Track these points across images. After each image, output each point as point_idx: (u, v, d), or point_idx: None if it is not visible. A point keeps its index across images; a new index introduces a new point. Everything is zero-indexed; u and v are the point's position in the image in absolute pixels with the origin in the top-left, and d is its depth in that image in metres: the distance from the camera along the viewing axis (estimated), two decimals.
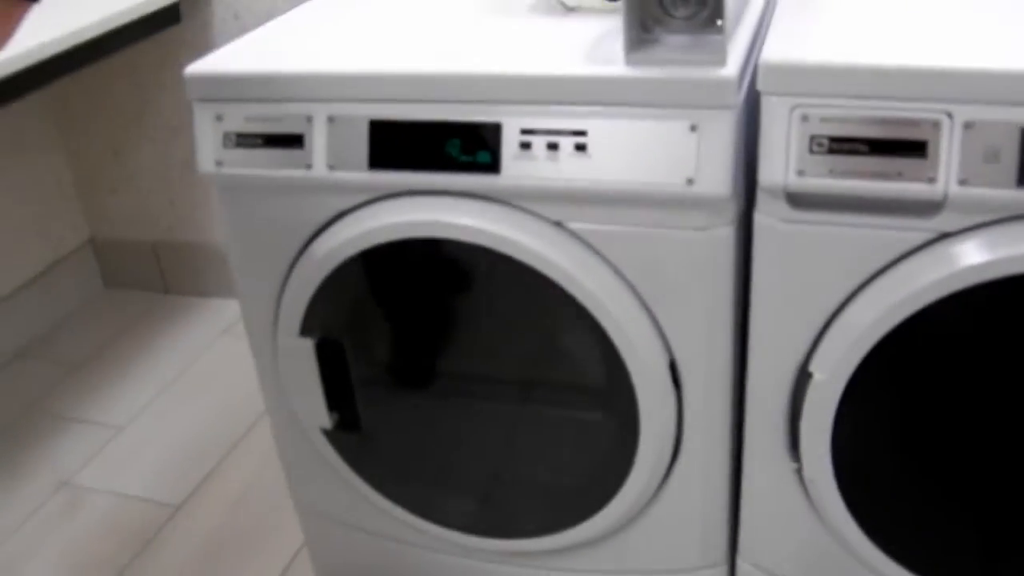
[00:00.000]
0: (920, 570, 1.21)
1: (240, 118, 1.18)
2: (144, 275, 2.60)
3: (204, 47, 2.23)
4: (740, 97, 1.05)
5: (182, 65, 2.23)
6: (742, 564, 1.33)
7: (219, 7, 2.18)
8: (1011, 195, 0.98)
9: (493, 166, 1.10)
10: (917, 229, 1.02)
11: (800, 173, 1.02)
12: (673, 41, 1.05)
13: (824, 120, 1.00)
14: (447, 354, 1.27)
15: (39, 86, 1.70)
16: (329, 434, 1.35)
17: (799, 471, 1.18)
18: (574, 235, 1.12)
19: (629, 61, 1.05)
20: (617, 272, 1.12)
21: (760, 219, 1.07)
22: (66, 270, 2.54)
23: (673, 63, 1.04)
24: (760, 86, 1.02)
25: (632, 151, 1.06)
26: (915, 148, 0.99)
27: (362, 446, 1.36)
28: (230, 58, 1.22)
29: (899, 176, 1.00)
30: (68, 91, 2.42)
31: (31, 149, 2.42)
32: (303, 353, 1.28)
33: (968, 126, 0.97)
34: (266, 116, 1.17)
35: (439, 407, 1.31)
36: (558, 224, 1.12)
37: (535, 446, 1.29)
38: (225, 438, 2.04)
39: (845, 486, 1.17)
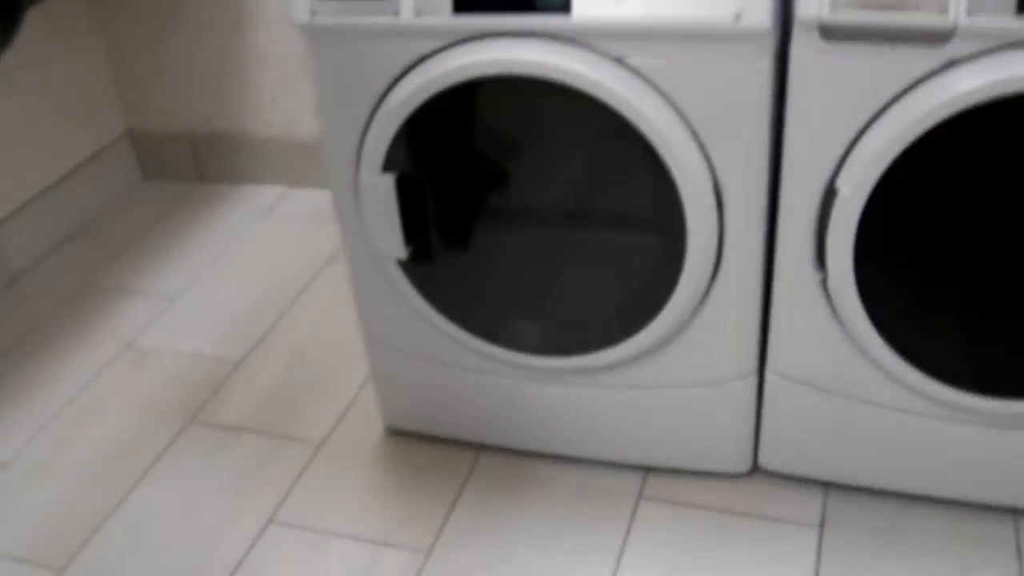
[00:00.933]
0: (933, 372, 1.40)
1: None
2: (181, 166, 2.75)
3: None
4: None
5: None
6: (770, 375, 1.52)
7: None
8: (1012, 24, 1.15)
9: (565, 6, 1.26)
10: (930, 57, 1.20)
11: (833, 7, 1.19)
12: None
13: None
14: (516, 188, 1.44)
15: None
16: (404, 265, 1.52)
17: (824, 281, 1.37)
18: (634, 70, 1.29)
19: None
20: (669, 102, 1.29)
21: (796, 51, 1.25)
22: (105, 161, 2.68)
23: None
24: None
25: None
26: None
27: (433, 275, 1.53)
28: None
29: (916, 6, 1.17)
30: None
31: (71, 40, 2.55)
32: (384, 188, 1.44)
33: None
34: None
35: (506, 236, 1.48)
36: (619, 60, 1.29)
37: (594, 268, 1.46)
38: (278, 301, 2.21)
39: (866, 294, 1.35)
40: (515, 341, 1.56)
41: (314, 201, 2.60)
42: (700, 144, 1.31)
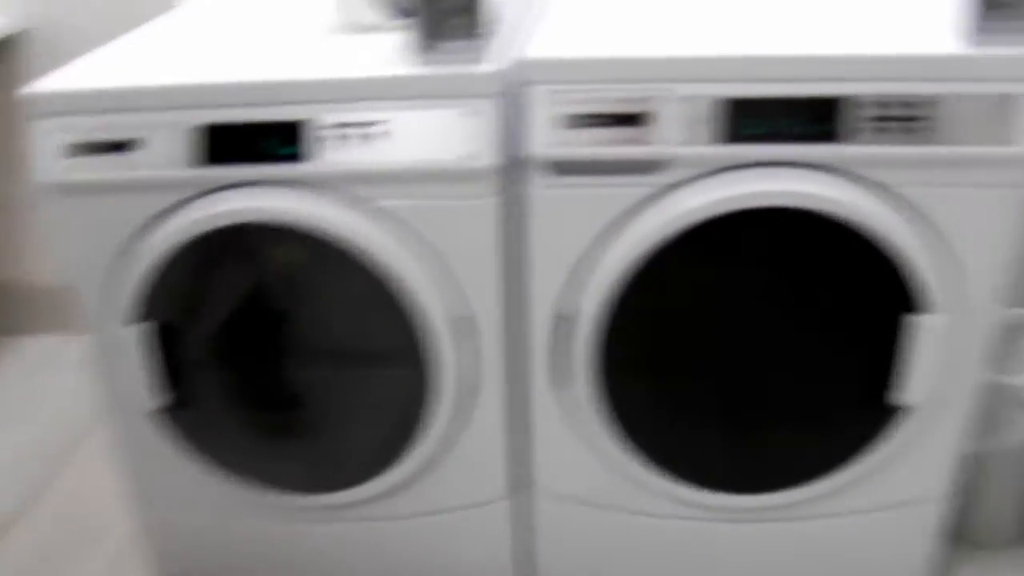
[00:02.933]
0: (681, 475, 1.48)
1: (80, 129, 1.34)
2: None
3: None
4: (505, 86, 1.30)
5: None
6: (536, 493, 1.56)
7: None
8: (716, 151, 1.26)
9: (307, 156, 1.31)
10: (649, 184, 1.30)
11: (557, 145, 1.28)
12: (451, 45, 1.30)
13: (572, 101, 1.27)
14: (274, 331, 1.45)
15: None
16: (162, 413, 1.50)
17: (570, 399, 1.43)
18: (378, 209, 1.33)
19: (417, 62, 1.29)
20: (412, 237, 1.34)
21: (528, 186, 1.32)
22: None
23: (451, 63, 1.29)
24: (524, 77, 1.28)
25: (421, 135, 1.29)
26: (643, 119, 1.26)
27: (194, 423, 1.52)
28: (63, 78, 1.38)
29: (632, 142, 1.27)
30: None
31: None
32: (134, 339, 1.43)
33: (681, 100, 1.25)
34: (99, 127, 1.34)
35: (263, 378, 1.48)
36: (363, 201, 1.33)
37: (353, 403, 1.48)
38: (48, 455, 2.12)
39: (610, 409, 1.42)
40: (282, 482, 1.55)
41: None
42: (446, 275, 1.36)
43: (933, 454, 1.49)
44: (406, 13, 1.42)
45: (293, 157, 1.32)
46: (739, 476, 1.50)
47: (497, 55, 1.31)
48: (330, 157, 1.31)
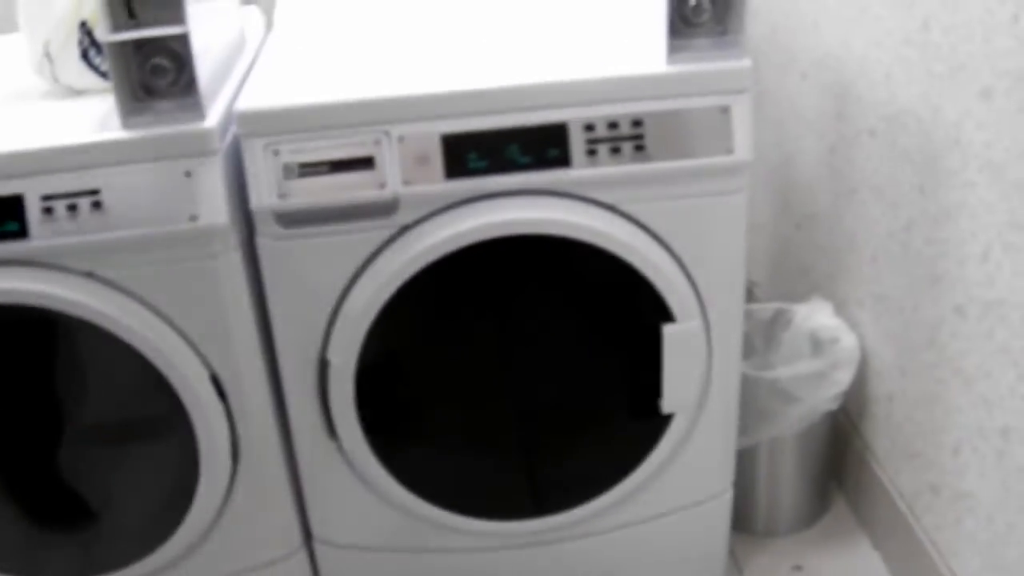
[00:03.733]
0: (466, 507, 1.48)
1: None
2: None
3: None
4: (225, 142, 1.27)
5: None
6: (318, 545, 1.54)
7: None
8: (444, 187, 1.27)
9: (22, 233, 1.25)
10: (384, 227, 1.29)
11: (282, 196, 1.26)
12: (162, 106, 1.26)
13: (292, 151, 1.25)
14: (22, 417, 1.38)
15: None
16: None
17: (340, 447, 1.41)
18: (105, 281, 1.28)
19: (126, 126, 1.25)
20: (148, 306, 1.30)
21: (260, 240, 1.30)
22: None
23: (163, 123, 1.25)
24: (238, 131, 1.26)
25: (140, 201, 1.25)
26: (366, 163, 1.26)
27: None
28: None
29: (359, 187, 1.26)
30: None
31: None
32: None
33: (402, 139, 1.25)
34: None
35: (25, 466, 1.42)
36: (89, 274, 1.28)
37: (118, 479, 1.43)
38: None
39: (380, 450, 1.41)
40: (51, 569, 1.48)
41: None
42: (188, 340, 1.32)
43: (708, 454, 1.53)
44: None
45: (10, 235, 1.25)
46: (525, 500, 1.51)
47: (213, 108, 1.28)
48: (50, 231, 1.25)
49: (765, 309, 1.82)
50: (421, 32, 1.53)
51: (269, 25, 1.67)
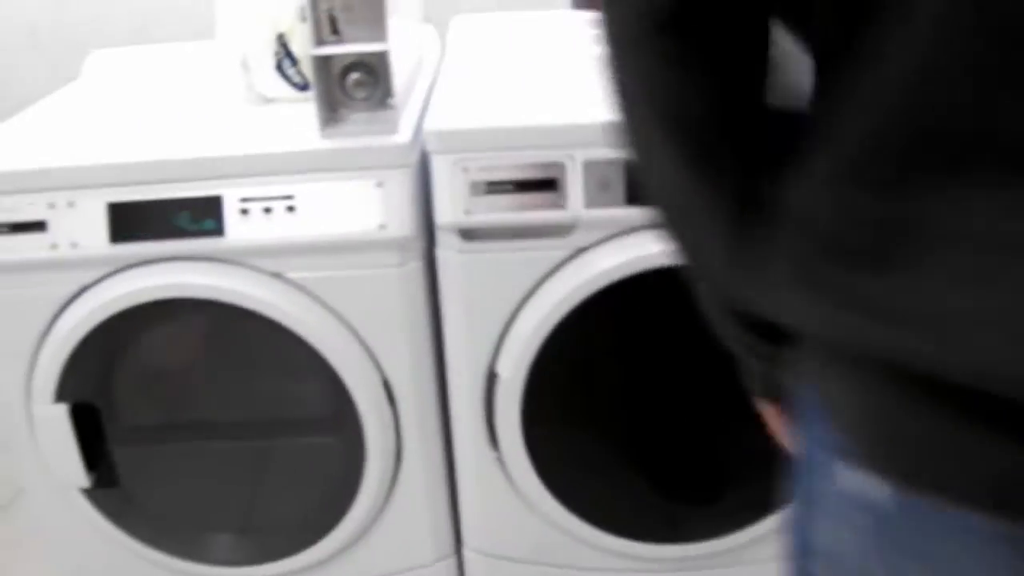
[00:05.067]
0: (613, 527, 1.49)
1: None
2: None
3: None
4: (415, 157, 1.32)
5: None
6: (468, 553, 1.57)
7: None
8: (623, 213, 1.29)
9: (218, 231, 1.31)
10: (561, 247, 1.32)
11: (467, 212, 1.30)
12: (356, 117, 1.31)
13: (480, 169, 1.29)
14: (194, 406, 1.45)
15: None
16: (89, 493, 1.49)
17: (500, 459, 1.44)
18: (293, 283, 1.34)
19: (323, 136, 1.30)
20: (330, 309, 1.35)
21: (440, 252, 1.34)
22: None
23: (358, 135, 1.30)
24: (428, 147, 1.30)
25: (333, 208, 1.31)
26: (550, 184, 1.29)
27: (123, 501, 1.51)
28: None
29: (541, 207, 1.29)
30: None
31: None
32: (58, 418, 1.42)
33: (586, 164, 1.28)
34: (7, 207, 1.33)
35: (192, 455, 1.48)
36: (277, 275, 1.34)
37: (285, 474, 1.48)
38: None
39: (539, 465, 1.43)
40: (214, 556, 1.54)
41: None
42: (365, 345, 1.37)
43: None
44: (307, 86, 1.44)
45: (207, 232, 1.32)
46: (672, 526, 1.52)
47: (404, 124, 1.33)
48: (244, 232, 1.31)
49: None
50: (588, 62, 1.55)
51: (442, 43, 1.72)
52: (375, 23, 1.26)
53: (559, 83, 1.45)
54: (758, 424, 1.43)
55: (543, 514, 1.48)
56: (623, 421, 1.44)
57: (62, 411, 1.42)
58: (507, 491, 1.48)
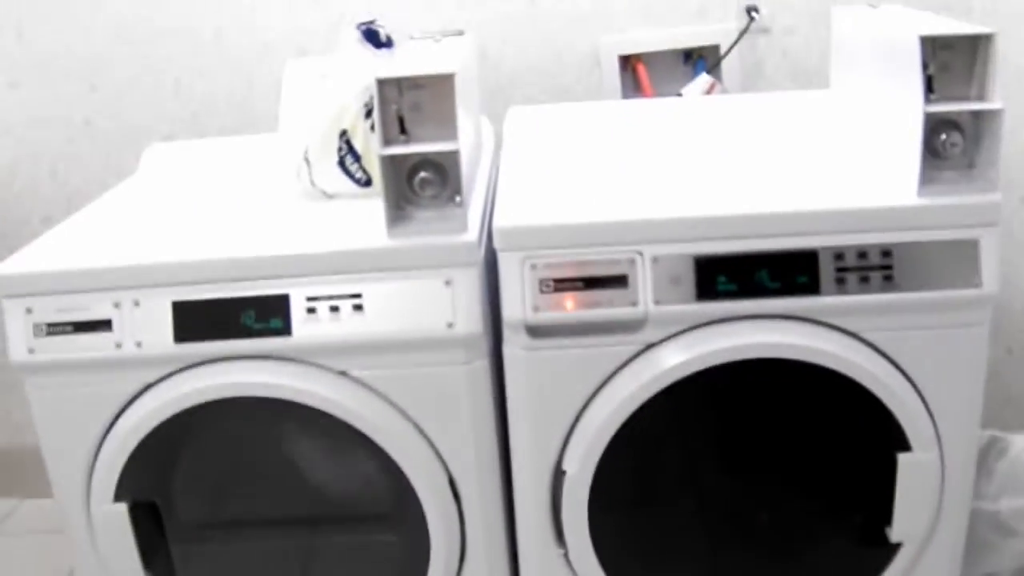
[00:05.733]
0: None
1: (51, 309, 1.33)
2: None
3: None
4: (481, 255, 1.32)
5: None
6: None
7: None
8: (693, 308, 1.29)
9: (285, 330, 1.31)
10: (629, 343, 1.31)
11: (535, 309, 1.29)
12: (423, 215, 1.31)
13: (548, 266, 1.29)
14: (253, 502, 1.44)
15: None
16: None
17: (566, 555, 1.42)
18: (358, 381, 1.33)
19: (391, 235, 1.30)
20: (395, 407, 1.34)
21: (508, 350, 1.34)
22: None
23: (425, 233, 1.30)
24: (496, 245, 1.30)
25: (400, 306, 1.30)
26: (619, 281, 1.28)
27: None
28: (35, 257, 1.38)
29: (610, 303, 1.29)
30: None
31: None
32: (118, 517, 1.40)
33: (655, 260, 1.28)
34: (73, 306, 1.33)
35: (250, 552, 1.46)
36: (343, 373, 1.33)
37: (339, 574, 1.46)
38: None
39: (606, 563, 1.41)
40: None
41: (49, 512, 2.46)
42: (431, 443, 1.36)
43: None
44: (369, 182, 1.45)
45: (273, 332, 1.32)
46: None
47: (471, 221, 1.33)
48: (311, 330, 1.31)
49: (980, 436, 1.78)
50: (648, 153, 1.56)
51: (497, 136, 1.73)
52: (446, 123, 1.27)
53: (620, 175, 1.46)
54: (830, 520, 1.43)
55: None
56: (691, 517, 1.42)
57: (122, 510, 1.40)
58: None
